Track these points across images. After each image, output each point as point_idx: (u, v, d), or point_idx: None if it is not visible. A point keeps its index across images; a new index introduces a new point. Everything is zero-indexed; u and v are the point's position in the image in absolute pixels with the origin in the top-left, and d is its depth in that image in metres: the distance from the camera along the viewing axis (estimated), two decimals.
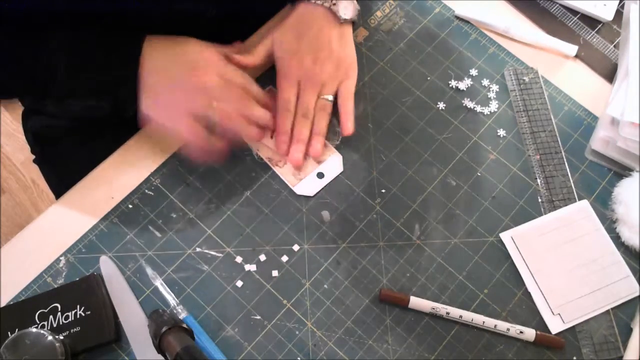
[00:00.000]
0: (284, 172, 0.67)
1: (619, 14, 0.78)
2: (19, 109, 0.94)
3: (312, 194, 0.67)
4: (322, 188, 0.67)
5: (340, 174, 0.68)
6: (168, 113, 0.63)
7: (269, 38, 0.69)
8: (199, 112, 0.62)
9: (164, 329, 0.54)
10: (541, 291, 0.64)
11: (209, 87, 0.62)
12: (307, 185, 0.67)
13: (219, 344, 0.60)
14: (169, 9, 0.65)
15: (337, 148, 0.69)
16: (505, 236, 0.66)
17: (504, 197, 0.68)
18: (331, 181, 0.67)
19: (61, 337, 0.56)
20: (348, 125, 0.68)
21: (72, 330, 0.58)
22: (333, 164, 0.68)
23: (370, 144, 0.70)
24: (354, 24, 0.71)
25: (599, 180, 0.70)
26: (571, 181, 0.69)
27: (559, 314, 0.63)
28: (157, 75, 0.62)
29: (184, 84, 0.62)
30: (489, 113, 0.72)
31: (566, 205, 0.68)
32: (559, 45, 0.76)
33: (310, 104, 0.67)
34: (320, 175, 0.68)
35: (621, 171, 0.70)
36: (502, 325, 0.62)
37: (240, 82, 0.65)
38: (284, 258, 0.64)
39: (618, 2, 0.78)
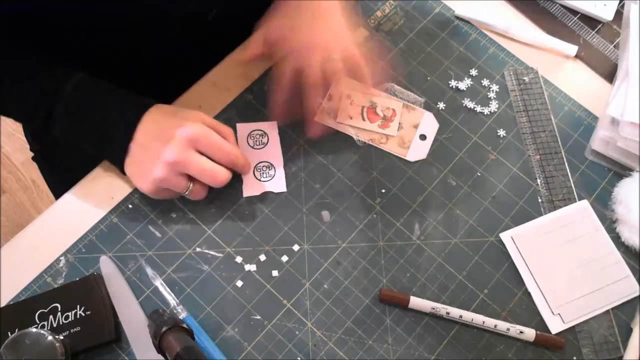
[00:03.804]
0: (391, 147, 0.68)
1: (619, 14, 0.78)
2: None
3: (424, 157, 0.68)
4: (430, 148, 0.69)
5: (340, 173, 0.68)
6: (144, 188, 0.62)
7: (261, 29, 0.67)
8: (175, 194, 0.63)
9: (164, 329, 0.54)
10: (541, 291, 0.64)
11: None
12: (415, 150, 0.68)
13: (219, 344, 0.60)
14: (170, 9, 0.65)
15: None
16: (505, 236, 0.66)
17: (504, 197, 0.68)
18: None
19: (61, 337, 0.56)
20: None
21: (72, 330, 0.58)
22: (428, 122, 0.70)
23: None
24: None
25: (599, 180, 0.70)
26: (571, 181, 0.69)
27: (559, 314, 0.63)
28: (144, 153, 0.60)
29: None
30: (489, 113, 0.72)
31: (566, 205, 0.68)
32: (559, 45, 0.76)
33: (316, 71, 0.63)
34: (423, 137, 0.69)
35: (621, 171, 0.70)
36: (502, 325, 0.62)
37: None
38: (284, 258, 0.64)
39: (618, 2, 0.78)
